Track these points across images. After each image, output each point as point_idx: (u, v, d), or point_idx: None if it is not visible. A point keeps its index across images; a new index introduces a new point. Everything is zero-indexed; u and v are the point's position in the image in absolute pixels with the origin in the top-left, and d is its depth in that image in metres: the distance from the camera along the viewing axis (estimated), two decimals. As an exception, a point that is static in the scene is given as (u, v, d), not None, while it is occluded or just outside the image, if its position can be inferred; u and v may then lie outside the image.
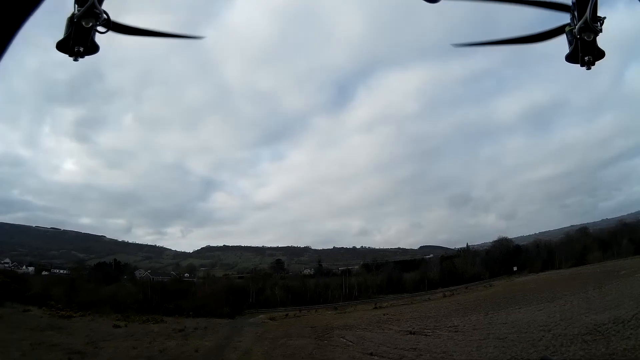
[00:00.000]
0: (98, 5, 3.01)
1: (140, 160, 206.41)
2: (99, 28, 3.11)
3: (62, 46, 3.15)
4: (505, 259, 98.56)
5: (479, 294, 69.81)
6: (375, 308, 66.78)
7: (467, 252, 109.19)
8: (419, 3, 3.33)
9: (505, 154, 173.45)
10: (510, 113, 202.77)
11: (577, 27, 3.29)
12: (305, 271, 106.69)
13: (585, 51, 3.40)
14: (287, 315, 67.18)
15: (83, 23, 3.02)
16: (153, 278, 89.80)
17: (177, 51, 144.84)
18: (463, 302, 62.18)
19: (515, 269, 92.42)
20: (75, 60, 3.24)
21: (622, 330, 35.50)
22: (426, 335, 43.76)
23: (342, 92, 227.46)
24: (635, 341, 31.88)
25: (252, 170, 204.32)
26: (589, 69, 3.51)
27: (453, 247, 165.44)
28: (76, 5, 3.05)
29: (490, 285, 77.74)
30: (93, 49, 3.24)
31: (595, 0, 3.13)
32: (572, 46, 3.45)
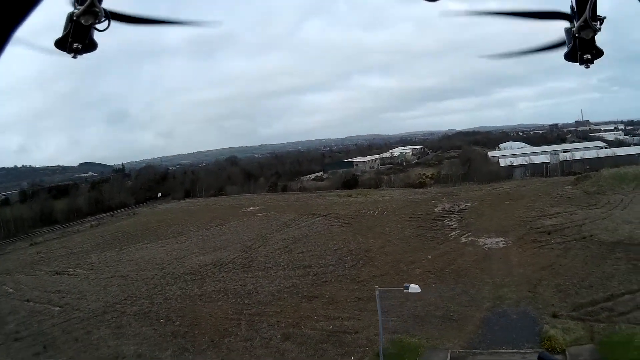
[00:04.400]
0: (97, 3, 2.97)
1: None
2: (98, 26, 3.07)
3: (60, 44, 3.12)
4: (152, 185, 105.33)
5: (122, 224, 73.55)
6: (32, 245, 64.57)
7: (117, 177, 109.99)
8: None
9: (167, 76, 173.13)
10: (178, 37, 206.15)
11: (576, 25, 3.27)
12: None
13: (584, 49, 3.40)
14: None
15: (82, 21, 2.99)
16: None
17: None
18: (106, 234, 64.85)
19: (159, 195, 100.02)
20: (74, 57, 3.20)
21: (216, 273, 40.00)
22: (69, 275, 45.16)
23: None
24: (223, 284, 36.60)
25: None
26: (587, 67, 3.50)
27: (112, 164, 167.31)
28: (75, 4, 3.00)
29: (134, 214, 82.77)
30: (91, 46, 3.22)
31: None
32: (571, 44, 3.43)
